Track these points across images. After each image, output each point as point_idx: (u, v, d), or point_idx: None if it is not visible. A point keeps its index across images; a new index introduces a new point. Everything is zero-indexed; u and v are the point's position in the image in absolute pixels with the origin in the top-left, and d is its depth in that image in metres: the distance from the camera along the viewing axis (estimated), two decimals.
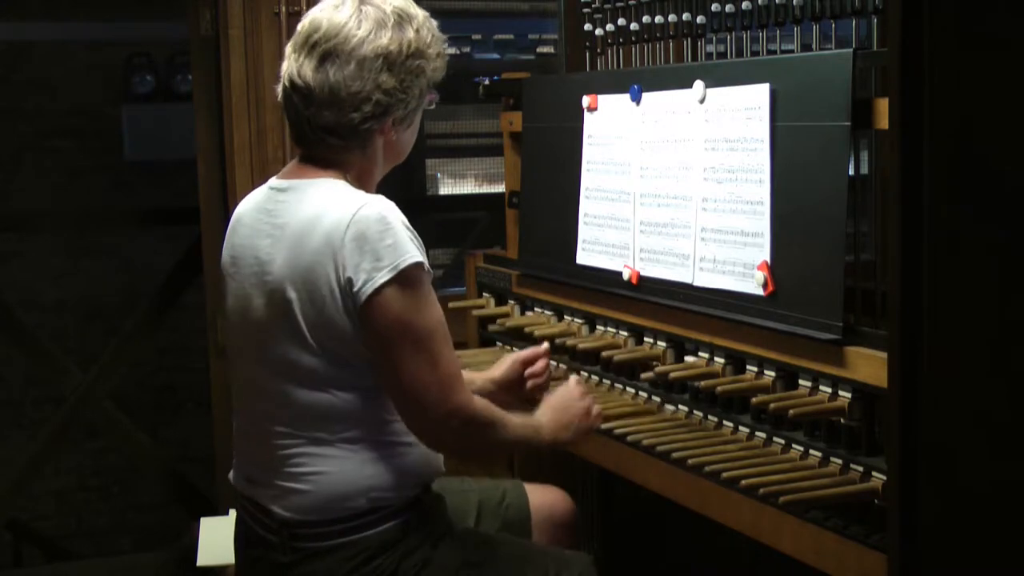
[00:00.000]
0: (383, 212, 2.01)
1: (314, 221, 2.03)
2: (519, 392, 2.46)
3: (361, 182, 2.13)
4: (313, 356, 2.03)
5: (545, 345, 2.49)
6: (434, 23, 2.17)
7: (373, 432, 2.08)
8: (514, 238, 3.10)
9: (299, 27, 2.12)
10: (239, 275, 2.15)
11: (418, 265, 2.00)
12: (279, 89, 2.13)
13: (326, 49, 2.06)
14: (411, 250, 2.00)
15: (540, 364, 2.48)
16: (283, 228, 2.07)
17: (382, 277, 1.98)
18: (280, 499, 2.09)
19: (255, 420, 2.15)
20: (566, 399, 2.31)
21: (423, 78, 2.13)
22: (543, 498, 2.52)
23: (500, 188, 3.44)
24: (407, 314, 2.00)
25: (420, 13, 2.16)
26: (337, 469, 2.05)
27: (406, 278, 1.99)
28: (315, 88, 2.06)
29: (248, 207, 2.19)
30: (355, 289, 1.98)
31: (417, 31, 2.11)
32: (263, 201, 2.15)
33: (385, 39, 2.07)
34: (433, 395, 2.01)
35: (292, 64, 2.10)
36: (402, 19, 2.10)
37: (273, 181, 2.17)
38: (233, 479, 2.22)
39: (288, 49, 2.13)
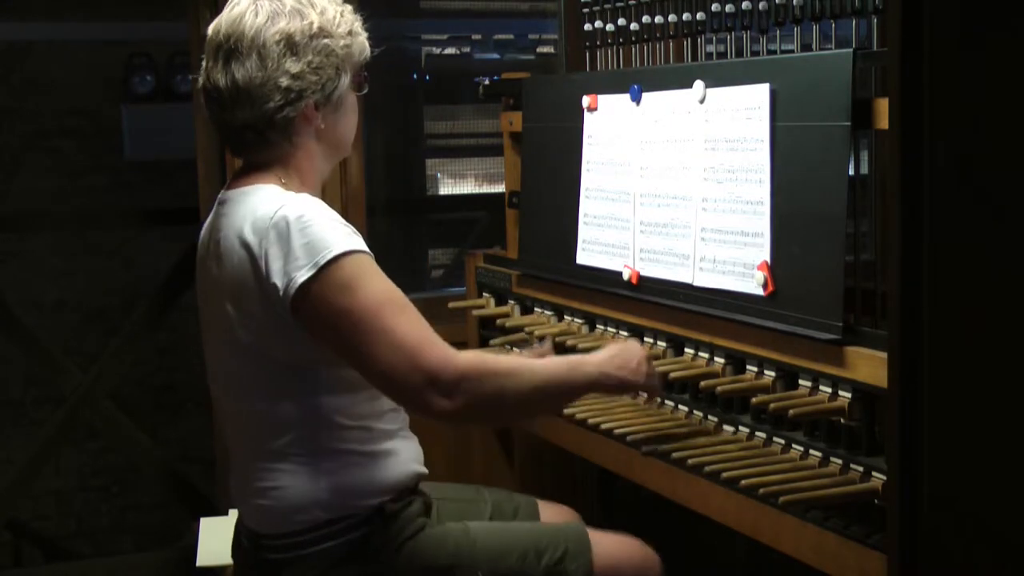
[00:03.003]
0: (300, 211, 1.96)
1: (239, 233, 2.00)
2: None
3: (304, 180, 2.09)
4: (259, 368, 2.02)
5: (547, 345, 2.42)
6: (347, 6, 2.13)
7: (328, 442, 2.04)
8: (514, 238, 3.09)
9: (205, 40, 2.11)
10: (199, 293, 2.16)
11: (340, 256, 1.93)
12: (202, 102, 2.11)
13: (228, 48, 2.03)
14: (329, 244, 1.93)
15: None
16: (219, 243, 2.05)
17: (302, 276, 1.92)
18: (247, 512, 2.11)
19: (227, 434, 2.17)
20: (630, 346, 2.25)
21: (334, 57, 2.07)
22: (554, 517, 2.45)
23: (500, 188, 3.44)
24: (339, 302, 1.92)
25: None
26: (293, 483, 2.03)
27: (329, 270, 1.92)
28: (223, 89, 2.03)
29: (205, 224, 2.18)
30: (280, 294, 1.93)
31: (321, 13, 2.07)
32: (213, 217, 2.13)
33: (282, 23, 2.03)
34: (401, 366, 1.91)
35: (202, 74, 2.08)
36: (301, 5, 2.06)
37: (220, 195, 2.15)
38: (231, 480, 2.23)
39: (202, 63, 2.10)
